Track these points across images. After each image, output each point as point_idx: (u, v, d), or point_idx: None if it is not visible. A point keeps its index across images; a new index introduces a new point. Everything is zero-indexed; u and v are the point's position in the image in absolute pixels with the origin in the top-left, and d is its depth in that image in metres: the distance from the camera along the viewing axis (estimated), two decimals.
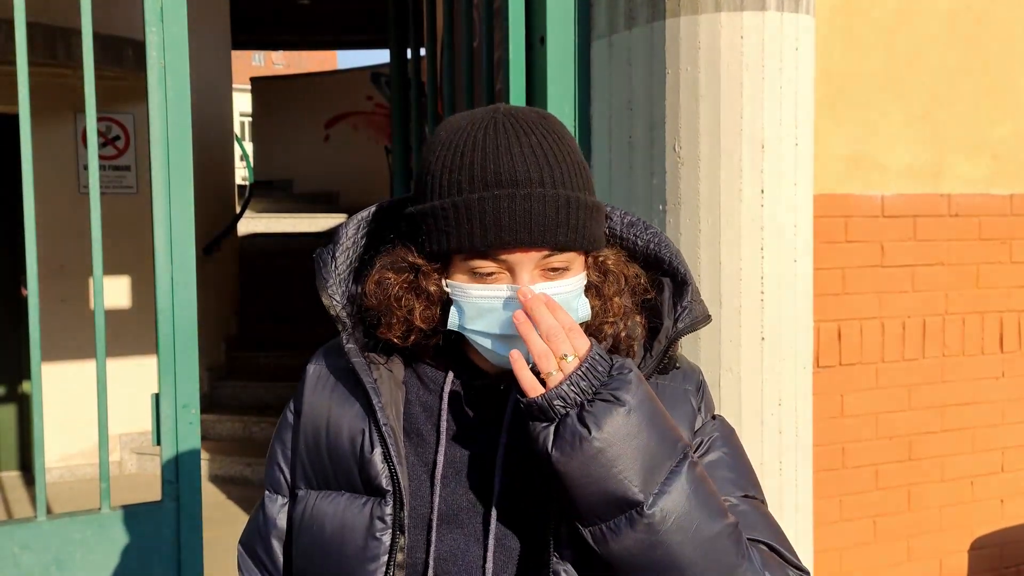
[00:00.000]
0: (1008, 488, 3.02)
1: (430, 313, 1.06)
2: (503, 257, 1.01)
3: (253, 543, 1.20)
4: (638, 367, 1.07)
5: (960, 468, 2.93)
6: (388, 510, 1.05)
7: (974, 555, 2.96)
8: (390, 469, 1.05)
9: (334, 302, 1.11)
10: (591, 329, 1.08)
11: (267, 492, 1.20)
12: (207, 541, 2.25)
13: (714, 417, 1.17)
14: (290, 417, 1.19)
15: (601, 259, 1.09)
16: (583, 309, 1.06)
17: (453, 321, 1.04)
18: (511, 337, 1.01)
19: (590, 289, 1.08)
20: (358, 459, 1.08)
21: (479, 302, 1.03)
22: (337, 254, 1.12)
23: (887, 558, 2.83)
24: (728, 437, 1.16)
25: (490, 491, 1.06)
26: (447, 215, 1.02)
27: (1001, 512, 3.01)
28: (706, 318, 1.13)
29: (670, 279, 1.13)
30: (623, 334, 1.09)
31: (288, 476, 1.18)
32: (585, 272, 1.07)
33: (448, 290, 1.05)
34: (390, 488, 1.05)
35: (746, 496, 1.11)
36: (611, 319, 1.08)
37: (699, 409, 1.15)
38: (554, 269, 1.03)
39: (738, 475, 1.12)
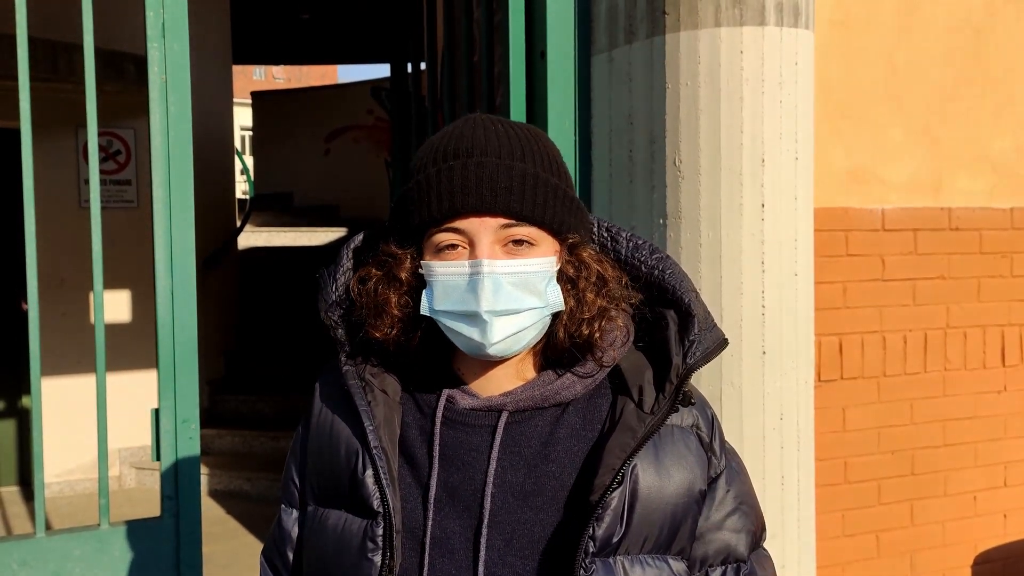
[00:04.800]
0: (1011, 502, 3.01)
1: (404, 300, 1.07)
2: (460, 227, 1.03)
3: (272, 556, 1.24)
4: (650, 411, 1.07)
5: (963, 483, 2.92)
6: (379, 531, 1.06)
7: (977, 570, 2.95)
8: (380, 491, 1.06)
9: (333, 323, 1.12)
10: (568, 328, 1.07)
11: (283, 506, 1.23)
12: (207, 556, 2.24)
13: (724, 451, 1.16)
14: (301, 432, 1.21)
15: (576, 250, 1.08)
16: (553, 296, 1.05)
17: (425, 305, 1.05)
18: (472, 315, 1.02)
19: (565, 283, 1.07)
20: (351, 479, 1.09)
21: (443, 279, 1.04)
22: (338, 275, 1.14)
23: (890, 573, 2.82)
24: (741, 483, 1.17)
25: (479, 519, 1.06)
26: (411, 194, 1.05)
27: (1004, 527, 3.00)
28: (720, 344, 1.10)
29: (674, 311, 1.11)
30: (597, 335, 1.07)
31: (300, 490, 1.20)
32: (556, 258, 1.07)
33: (423, 273, 1.06)
34: (380, 510, 1.06)
35: (755, 550, 1.17)
36: (586, 316, 1.06)
37: (716, 451, 1.13)
38: (517, 242, 1.03)
39: (750, 527, 1.16)
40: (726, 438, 1.19)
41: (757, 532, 1.18)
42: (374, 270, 1.09)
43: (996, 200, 2.94)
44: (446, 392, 1.10)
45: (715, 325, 1.11)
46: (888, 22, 2.75)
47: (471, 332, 1.03)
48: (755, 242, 2.13)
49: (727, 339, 1.11)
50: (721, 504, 1.13)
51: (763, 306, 2.14)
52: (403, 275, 1.07)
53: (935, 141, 2.83)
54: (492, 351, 1.03)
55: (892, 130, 2.77)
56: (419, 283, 1.07)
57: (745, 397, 2.14)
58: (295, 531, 1.20)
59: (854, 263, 2.72)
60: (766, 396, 2.15)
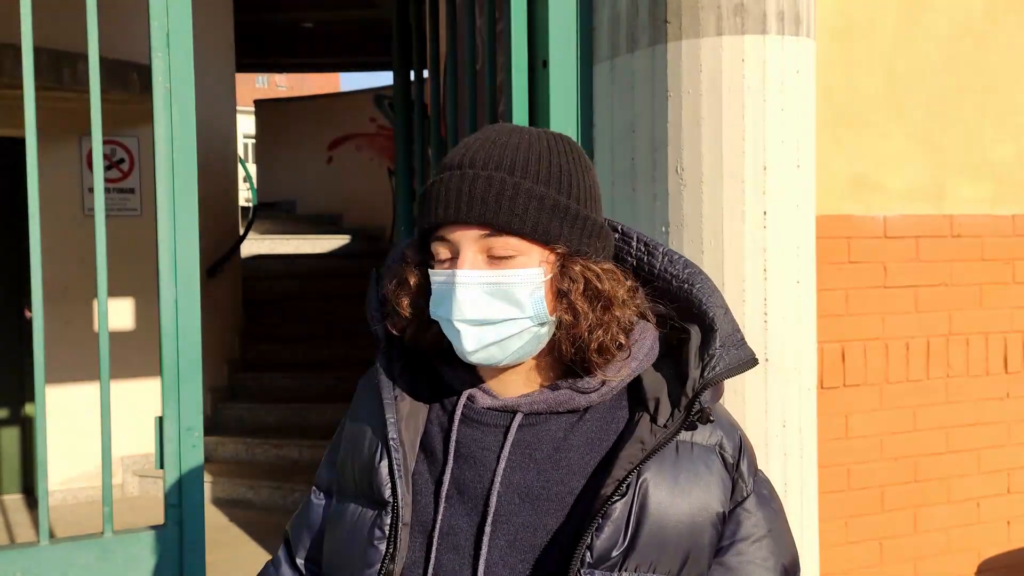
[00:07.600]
0: (1014, 509, 3.00)
1: (413, 303, 1.12)
2: (448, 237, 1.06)
3: (292, 527, 1.29)
4: (664, 424, 1.05)
5: (966, 489, 2.92)
6: (387, 521, 1.08)
7: None
8: (392, 483, 1.09)
9: (375, 320, 1.17)
10: (567, 341, 1.06)
11: (314, 487, 1.28)
12: (210, 564, 2.24)
13: (755, 477, 1.13)
14: (344, 424, 1.26)
15: (565, 262, 1.06)
16: (537, 306, 1.04)
17: (431, 310, 1.09)
18: (449, 323, 1.06)
19: (559, 295, 1.06)
20: (368, 469, 1.13)
21: (436, 286, 1.08)
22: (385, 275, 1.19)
23: None
24: (771, 511, 1.13)
25: (484, 516, 1.07)
26: (420, 202, 1.10)
27: (1008, 533, 2.99)
28: (747, 362, 1.08)
29: (698, 325, 1.08)
30: (593, 346, 1.05)
31: (329, 480, 1.25)
32: (544, 268, 1.05)
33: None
34: (391, 500, 1.09)
35: None
36: (582, 329, 1.05)
37: (743, 475, 1.11)
38: (498, 256, 1.04)
39: (780, 559, 1.12)
40: (766, 480, 1.15)
41: (788, 566, 1.12)
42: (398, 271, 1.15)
43: (998, 207, 2.94)
44: (467, 391, 1.13)
45: (744, 343, 1.08)
46: (889, 30, 2.76)
47: (454, 338, 1.06)
48: (757, 249, 2.13)
49: (756, 358, 1.08)
50: (746, 531, 1.09)
51: (765, 313, 2.14)
52: (411, 279, 1.11)
53: (937, 148, 2.84)
54: (473, 359, 1.06)
55: (894, 137, 2.78)
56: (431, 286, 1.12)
57: (748, 404, 2.14)
58: (316, 515, 1.25)
59: (856, 270, 2.72)
60: (769, 403, 2.16)
